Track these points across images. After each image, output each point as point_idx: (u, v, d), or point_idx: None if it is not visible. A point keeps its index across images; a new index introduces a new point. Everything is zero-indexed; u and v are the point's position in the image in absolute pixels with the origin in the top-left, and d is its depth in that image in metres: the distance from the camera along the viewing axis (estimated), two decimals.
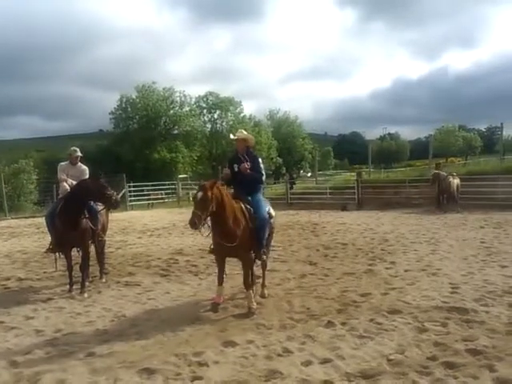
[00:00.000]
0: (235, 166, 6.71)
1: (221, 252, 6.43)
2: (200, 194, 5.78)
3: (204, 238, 6.67)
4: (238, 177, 6.65)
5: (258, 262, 7.27)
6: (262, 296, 6.98)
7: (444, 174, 18.87)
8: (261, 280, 7.26)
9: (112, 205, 7.82)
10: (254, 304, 6.42)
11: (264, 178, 6.88)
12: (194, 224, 5.68)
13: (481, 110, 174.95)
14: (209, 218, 6.02)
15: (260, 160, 6.84)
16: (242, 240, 6.17)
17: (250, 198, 6.55)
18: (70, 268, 7.76)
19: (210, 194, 5.76)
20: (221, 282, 6.53)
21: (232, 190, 6.61)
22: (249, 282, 6.45)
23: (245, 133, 7.03)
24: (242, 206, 6.38)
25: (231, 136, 7.02)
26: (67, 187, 7.85)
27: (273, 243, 7.91)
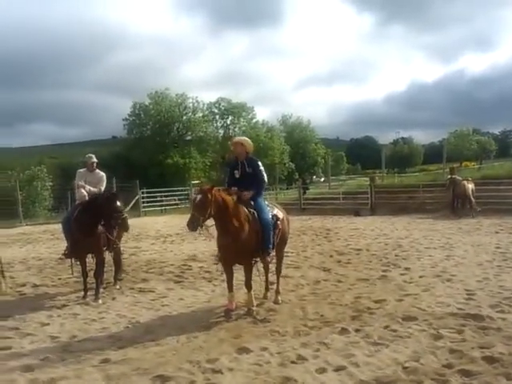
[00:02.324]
0: (236, 172, 6.75)
1: (227, 258, 6.50)
2: (199, 197, 5.92)
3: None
4: (239, 183, 6.66)
5: (273, 268, 7.31)
6: (276, 302, 6.98)
7: (459, 178, 18.73)
8: (275, 286, 7.26)
9: (119, 225, 7.75)
10: (254, 304, 6.56)
11: (265, 183, 6.89)
12: (192, 226, 5.87)
13: (496, 112, 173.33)
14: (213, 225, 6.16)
15: (260, 163, 6.83)
16: (247, 242, 6.27)
17: (252, 203, 6.59)
18: (84, 274, 7.83)
19: (209, 196, 5.89)
20: (231, 288, 6.58)
21: (235, 197, 6.60)
22: (250, 284, 6.54)
23: (239, 137, 7.01)
24: (245, 209, 6.44)
25: (229, 142, 7.11)
26: (85, 193, 7.93)
27: (286, 249, 7.91)
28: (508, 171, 21.67)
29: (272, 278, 7.45)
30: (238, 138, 6.96)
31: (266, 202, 6.97)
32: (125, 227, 7.87)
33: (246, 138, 7.11)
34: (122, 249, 9.02)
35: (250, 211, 6.46)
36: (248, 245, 6.30)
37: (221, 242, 6.40)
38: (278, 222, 6.83)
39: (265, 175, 6.82)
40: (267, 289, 7.36)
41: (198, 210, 5.88)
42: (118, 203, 7.61)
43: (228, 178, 6.91)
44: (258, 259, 6.69)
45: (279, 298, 7.08)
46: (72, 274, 8.43)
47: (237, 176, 6.72)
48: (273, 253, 6.75)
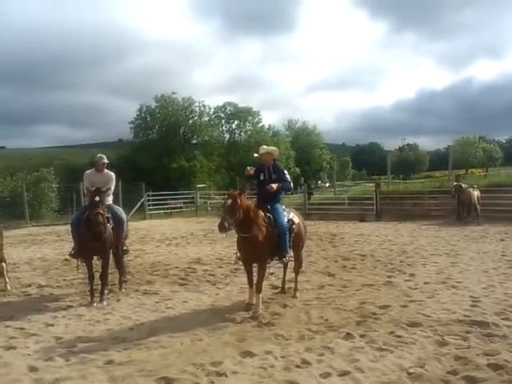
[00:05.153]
0: (261, 174, 7.24)
1: (247, 258, 6.96)
2: (230, 201, 6.38)
3: (222, 248, 6.82)
4: (262, 185, 7.18)
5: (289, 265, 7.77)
6: (294, 296, 7.56)
7: (465, 185, 18.68)
8: (293, 285, 7.83)
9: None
10: (261, 307, 6.80)
11: (292, 184, 7.51)
12: (223, 227, 6.24)
13: (504, 121, 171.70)
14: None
15: (285, 171, 7.40)
16: (264, 243, 6.70)
17: (269, 207, 7.02)
18: (91, 277, 7.70)
19: (238, 201, 6.36)
20: (251, 284, 7.01)
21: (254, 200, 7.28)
22: (260, 286, 6.90)
23: (266, 147, 7.57)
24: (263, 214, 6.88)
25: (255, 154, 7.69)
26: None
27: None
28: None
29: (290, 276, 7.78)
30: (265, 149, 7.42)
31: (283, 207, 7.39)
32: (94, 229, 7.23)
33: (273, 148, 7.71)
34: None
35: (266, 215, 6.88)
36: (265, 245, 6.70)
37: (241, 243, 6.83)
38: (294, 226, 7.26)
39: (290, 180, 7.39)
40: (284, 285, 7.95)
41: (229, 213, 6.33)
42: (97, 198, 7.27)
43: (256, 180, 7.38)
44: (276, 258, 7.15)
45: (297, 294, 7.65)
46: (77, 272, 8.35)
47: (261, 178, 7.22)
48: (290, 253, 7.22)
